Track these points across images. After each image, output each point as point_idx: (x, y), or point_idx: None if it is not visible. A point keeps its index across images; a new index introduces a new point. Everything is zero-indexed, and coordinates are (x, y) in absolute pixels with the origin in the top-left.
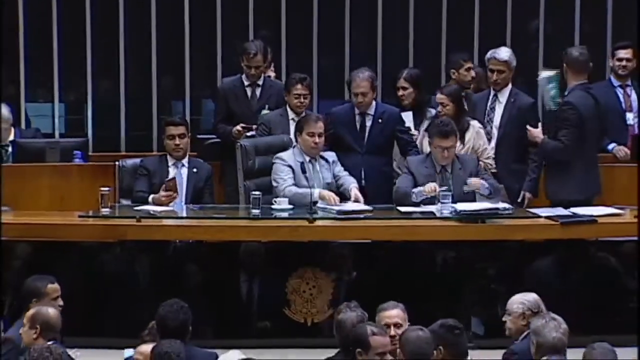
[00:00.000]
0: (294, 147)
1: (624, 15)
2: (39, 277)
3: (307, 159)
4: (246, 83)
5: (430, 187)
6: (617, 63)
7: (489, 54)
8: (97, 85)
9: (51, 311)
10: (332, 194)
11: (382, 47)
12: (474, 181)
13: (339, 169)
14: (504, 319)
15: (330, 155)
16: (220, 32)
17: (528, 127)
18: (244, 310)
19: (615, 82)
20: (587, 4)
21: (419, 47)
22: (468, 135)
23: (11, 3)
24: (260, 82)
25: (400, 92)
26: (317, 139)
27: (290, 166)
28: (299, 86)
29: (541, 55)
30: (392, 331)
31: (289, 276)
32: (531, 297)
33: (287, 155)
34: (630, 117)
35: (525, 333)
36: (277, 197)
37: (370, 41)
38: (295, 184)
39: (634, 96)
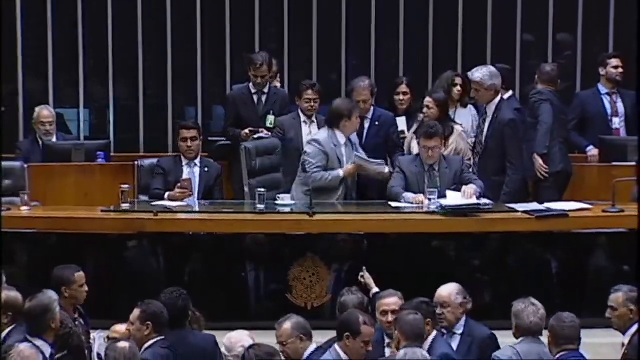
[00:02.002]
0: (329, 129)
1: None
2: (66, 267)
3: (342, 141)
4: (253, 90)
5: (418, 198)
6: (613, 70)
7: (469, 72)
8: (117, 93)
9: (12, 294)
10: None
11: (375, 59)
12: (469, 191)
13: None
14: (438, 311)
15: (355, 139)
16: (229, 45)
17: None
18: (251, 295)
19: (603, 90)
20: (557, 14)
21: (407, 60)
22: (451, 138)
23: (40, 21)
24: (265, 90)
25: (400, 97)
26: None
27: (325, 152)
28: (309, 91)
29: (518, 65)
30: (390, 317)
31: (291, 265)
32: (456, 286)
33: (323, 138)
34: (616, 122)
35: (462, 319)
36: (303, 178)
37: (364, 54)
38: (327, 168)
39: (619, 102)
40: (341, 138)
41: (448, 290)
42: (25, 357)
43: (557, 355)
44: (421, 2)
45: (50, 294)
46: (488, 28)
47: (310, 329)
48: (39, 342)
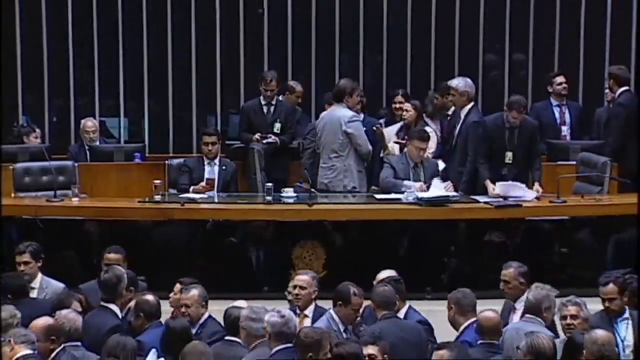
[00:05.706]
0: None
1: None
2: (113, 248)
3: None
4: (263, 102)
5: (418, 186)
6: (559, 87)
7: (449, 81)
8: (151, 105)
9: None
10: None
11: (363, 72)
12: (449, 186)
13: None
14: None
15: None
16: (243, 66)
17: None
18: (261, 271)
19: (554, 102)
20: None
21: (390, 75)
22: None
23: (87, 48)
24: (274, 102)
25: (397, 106)
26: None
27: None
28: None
29: (480, 80)
30: (298, 291)
31: (293, 246)
32: (390, 271)
33: (354, 113)
34: (564, 130)
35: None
36: (361, 153)
37: (354, 72)
38: None
39: (567, 113)
40: None
41: (383, 275)
42: (69, 319)
43: (467, 322)
44: (401, 28)
45: (121, 269)
46: (456, 49)
47: (207, 299)
48: (112, 307)
